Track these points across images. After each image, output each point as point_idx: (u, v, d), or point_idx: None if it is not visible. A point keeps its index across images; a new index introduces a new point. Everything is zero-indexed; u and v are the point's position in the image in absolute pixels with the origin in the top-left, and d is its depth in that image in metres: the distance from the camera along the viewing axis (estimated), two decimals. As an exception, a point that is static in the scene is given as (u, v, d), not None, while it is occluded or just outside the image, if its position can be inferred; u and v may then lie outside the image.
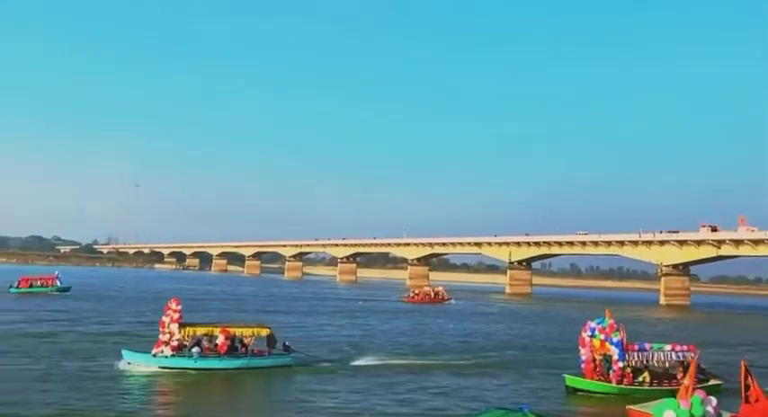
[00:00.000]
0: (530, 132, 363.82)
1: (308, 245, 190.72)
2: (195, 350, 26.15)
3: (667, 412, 9.85)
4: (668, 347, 24.97)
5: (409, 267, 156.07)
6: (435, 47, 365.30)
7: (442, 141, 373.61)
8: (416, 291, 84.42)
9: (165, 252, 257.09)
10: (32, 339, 32.75)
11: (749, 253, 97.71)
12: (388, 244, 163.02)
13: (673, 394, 22.54)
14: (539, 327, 53.73)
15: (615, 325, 24.98)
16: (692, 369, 10.37)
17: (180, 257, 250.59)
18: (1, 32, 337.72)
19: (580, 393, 24.52)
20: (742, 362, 11.25)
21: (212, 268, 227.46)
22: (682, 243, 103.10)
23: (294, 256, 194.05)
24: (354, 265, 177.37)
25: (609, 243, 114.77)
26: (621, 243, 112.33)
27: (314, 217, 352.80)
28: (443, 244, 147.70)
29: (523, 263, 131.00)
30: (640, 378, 24.82)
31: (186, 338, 26.17)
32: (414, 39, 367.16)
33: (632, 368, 24.79)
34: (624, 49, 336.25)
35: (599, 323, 25.11)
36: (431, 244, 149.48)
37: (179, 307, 26.26)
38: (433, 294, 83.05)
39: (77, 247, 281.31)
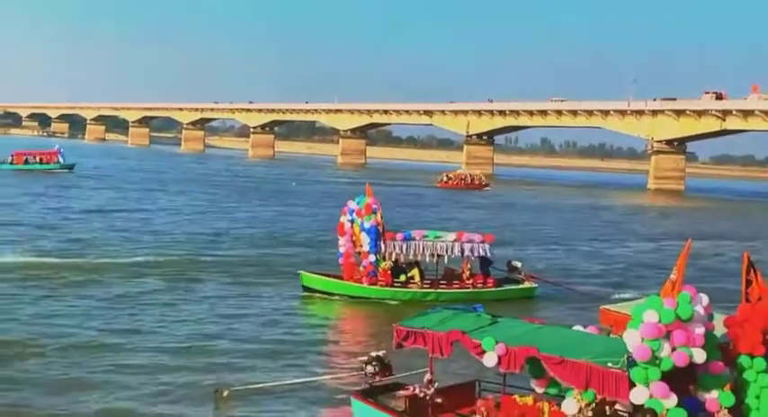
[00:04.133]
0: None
1: (212, 109, 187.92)
2: None
3: (648, 312, 10.08)
4: (451, 236, 24.25)
5: (341, 140, 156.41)
6: None
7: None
8: (450, 175, 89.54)
9: (24, 113, 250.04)
10: None
11: (760, 127, 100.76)
12: (315, 111, 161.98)
13: (455, 299, 23.47)
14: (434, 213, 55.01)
15: (373, 205, 24.03)
16: (680, 261, 10.46)
17: (43, 120, 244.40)
18: None
19: (320, 295, 24.11)
20: (745, 254, 11.44)
21: (86, 135, 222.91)
22: (679, 113, 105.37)
23: (194, 123, 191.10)
24: (272, 136, 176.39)
25: (590, 113, 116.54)
26: (605, 112, 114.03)
27: (221, 74, 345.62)
28: (385, 112, 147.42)
29: (484, 137, 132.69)
30: (402, 277, 24.24)
31: None
32: None
33: (393, 265, 24.16)
34: None
35: (359, 204, 24.30)
36: (369, 112, 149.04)
37: None
38: (469, 178, 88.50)
39: None
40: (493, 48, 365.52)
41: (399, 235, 23.72)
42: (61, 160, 76.08)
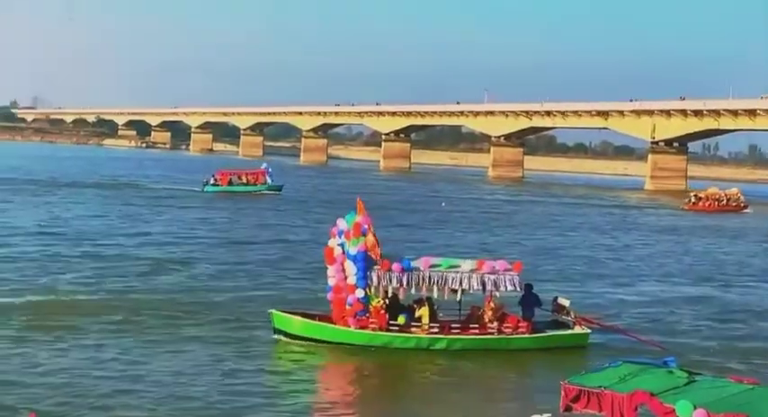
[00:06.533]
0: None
1: (337, 113, 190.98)
2: None
3: None
4: (467, 265, 22.99)
5: (493, 148, 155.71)
6: None
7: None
8: (699, 195, 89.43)
9: (120, 121, 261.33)
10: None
11: None
12: (461, 113, 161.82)
13: (471, 347, 22.73)
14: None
15: (363, 225, 22.77)
16: None
17: (141, 129, 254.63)
18: None
19: (293, 341, 23.01)
20: None
21: (191, 146, 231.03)
22: None
23: (315, 130, 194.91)
24: (408, 145, 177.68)
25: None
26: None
27: (349, 72, 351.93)
28: (548, 114, 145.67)
29: (674, 144, 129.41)
30: (401, 319, 22.84)
31: None
32: None
33: (391, 302, 23.01)
34: None
35: (348, 223, 23.27)
36: (528, 113, 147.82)
37: None
38: (724, 199, 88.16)
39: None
40: (686, 33, 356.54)
41: (397, 266, 22.51)
42: (269, 180, 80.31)
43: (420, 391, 20.54)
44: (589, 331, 23.84)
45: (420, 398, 19.85)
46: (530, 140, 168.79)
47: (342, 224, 23.26)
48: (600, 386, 11.88)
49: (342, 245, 23.05)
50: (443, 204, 78.24)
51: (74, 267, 33.02)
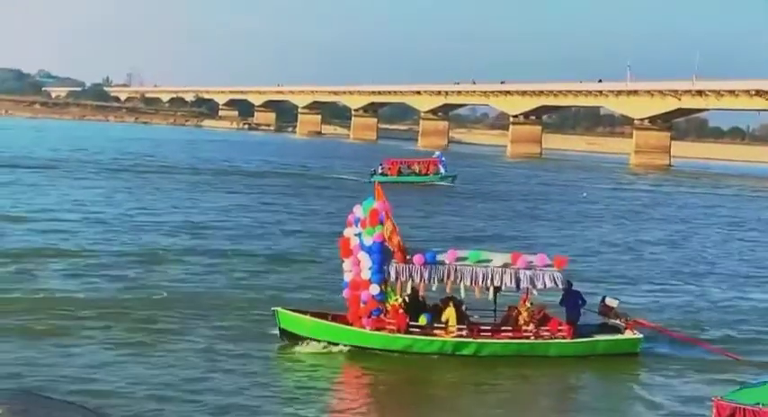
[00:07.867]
0: None
1: (459, 93, 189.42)
2: None
3: None
4: (500, 259, 22.39)
5: (636, 133, 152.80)
6: None
7: None
8: None
9: (221, 100, 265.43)
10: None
11: None
12: (600, 93, 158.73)
13: (503, 353, 22.08)
14: None
15: (380, 213, 22.11)
16: None
17: (243, 109, 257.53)
18: None
19: (301, 343, 22.41)
20: None
21: (297, 128, 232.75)
22: None
23: (434, 111, 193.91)
24: (539, 128, 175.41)
25: None
26: None
27: (470, 47, 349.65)
28: (699, 93, 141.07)
29: None
30: (422, 319, 22.16)
31: None
32: None
33: (411, 300, 22.40)
34: None
35: (365, 211, 22.72)
36: (676, 93, 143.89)
37: None
38: None
39: (78, 89, 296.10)
40: None
41: (418, 258, 21.92)
42: (442, 170, 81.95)
43: (441, 403, 19.91)
44: (641, 336, 23.13)
45: (441, 412, 19.45)
46: (678, 123, 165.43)
47: (358, 211, 22.79)
48: (758, 403, 12.01)
49: (359, 235, 22.53)
50: (584, 194, 78.55)
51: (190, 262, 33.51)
